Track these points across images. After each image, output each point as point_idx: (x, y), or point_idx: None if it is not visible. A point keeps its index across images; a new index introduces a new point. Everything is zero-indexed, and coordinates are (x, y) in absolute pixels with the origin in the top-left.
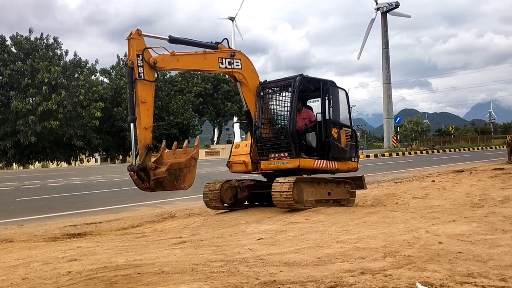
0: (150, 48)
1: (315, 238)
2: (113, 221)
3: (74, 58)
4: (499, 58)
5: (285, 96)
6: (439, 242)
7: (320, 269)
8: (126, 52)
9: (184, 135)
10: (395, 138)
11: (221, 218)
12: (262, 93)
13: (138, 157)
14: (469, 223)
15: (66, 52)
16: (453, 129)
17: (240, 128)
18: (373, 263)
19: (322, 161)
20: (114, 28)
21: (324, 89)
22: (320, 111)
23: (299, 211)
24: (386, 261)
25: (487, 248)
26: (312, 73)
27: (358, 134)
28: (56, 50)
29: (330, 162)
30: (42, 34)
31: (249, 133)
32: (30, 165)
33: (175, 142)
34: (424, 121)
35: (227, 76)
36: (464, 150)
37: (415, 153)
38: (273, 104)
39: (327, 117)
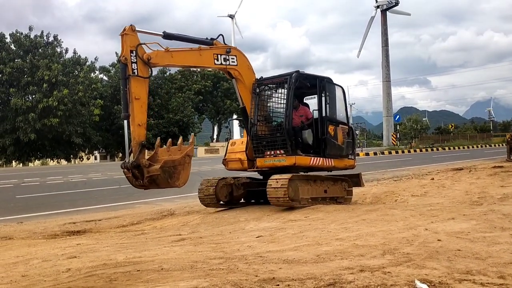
0: (144, 44)
1: (314, 235)
2: (112, 219)
3: (73, 55)
4: (499, 56)
5: (281, 93)
6: (438, 240)
7: (319, 267)
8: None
9: (184, 133)
10: (395, 136)
11: (220, 216)
12: (258, 90)
13: (132, 154)
14: (468, 220)
15: (66, 50)
16: (453, 127)
17: (240, 126)
18: (372, 261)
19: (319, 158)
20: (113, 26)
21: (321, 86)
22: (316, 108)
23: (298, 209)
24: (385, 258)
25: (486, 246)
26: (311, 71)
27: (358, 132)
28: (56, 48)
29: (327, 159)
30: (42, 32)
31: (245, 130)
32: (29, 163)
33: (169, 139)
34: (424, 119)
35: (221, 72)
36: (463, 148)
37: (415, 151)
38: (269, 101)
39: (324, 114)
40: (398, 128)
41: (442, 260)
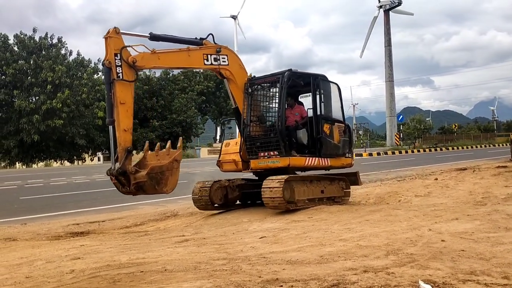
0: (129, 46)
1: (317, 236)
2: (116, 220)
3: (77, 57)
4: (502, 56)
5: (274, 93)
6: (442, 240)
7: (323, 267)
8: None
9: (187, 134)
10: (398, 136)
11: (223, 217)
12: (250, 90)
13: (118, 160)
14: (472, 221)
15: (71, 52)
16: (456, 127)
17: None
18: (376, 261)
19: (314, 158)
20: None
21: (315, 83)
22: (311, 107)
23: (301, 210)
24: (389, 259)
25: (490, 246)
26: (314, 71)
27: (361, 132)
28: (60, 50)
29: (322, 159)
30: (46, 34)
31: (238, 131)
32: (33, 164)
33: (158, 143)
34: (427, 119)
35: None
36: (467, 148)
37: (418, 151)
38: (262, 101)
39: (319, 112)
40: (401, 128)
41: (446, 261)
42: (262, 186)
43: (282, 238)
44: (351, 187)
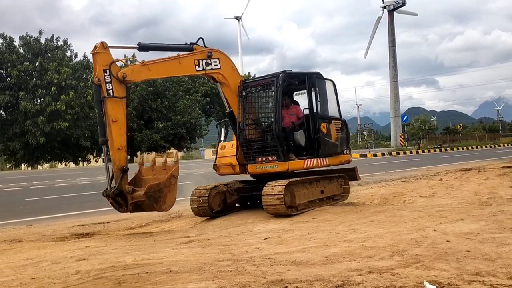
0: (118, 60)
1: (322, 237)
2: (121, 221)
3: (83, 59)
4: (507, 56)
5: (269, 95)
6: (447, 241)
7: (328, 268)
8: (134, 53)
9: (191, 135)
10: (403, 136)
11: (228, 218)
12: (244, 93)
13: (114, 180)
14: (477, 221)
15: (76, 55)
16: (461, 127)
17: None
18: (381, 262)
19: (312, 159)
20: (120, 29)
21: (310, 82)
22: (307, 106)
23: (305, 211)
24: (394, 260)
25: (496, 247)
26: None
27: (365, 133)
28: (66, 52)
29: (321, 159)
30: (52, 36)
31: (234, 134)
32: (38, 166)
33: (154, 157)
34: (432, 119)
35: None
36: (472, 148)
37: (423, 151)
38: (257, 103)
39: (315, 111)
40: (406, 128)
41: (451, 261)
42: (262, 194)
43: (286, 239)
44: (356, 188)
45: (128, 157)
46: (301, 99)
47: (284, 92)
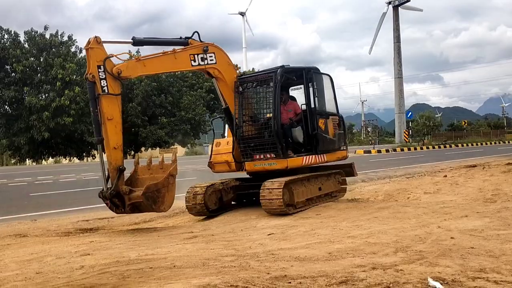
0: (112, 55)
1: (326, 233)
2: (125, 216)
3: None
4: None
5: (266, 91)
6: (451, 237)
7: (331, 264)
8: (138, 49)
9: (195, 131)
10: (407, 133)
11: (231, 213)
12: (240, 89)
13: (110, 181)
14: (481, 218)
15: (81, 50)
16: (466, 124)
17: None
18: (385, 258)
19: (311, 156)
20: (123, 25)
21: (307, 77)
22: (304, 102)
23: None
24: (398, 256)
25: (500, 243)
26: (322, 68)
27: (369, 129)
28: (70, 48)
29: (319, 155)
30: (57, 31)
31: (229, 130)
32: (43, 161)
33: (150, 157)
34: (437, 116)
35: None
36: (476, 144)
37: (427, 148)
38: (254, 99)
39: (313, 106)
40: (410, 125)
41: (455, 258)
42: (261, 193)
43: (290, 235)
44: (360, 184)
45: (132, 152)
46: (297, 94)
47: (281, 87)
